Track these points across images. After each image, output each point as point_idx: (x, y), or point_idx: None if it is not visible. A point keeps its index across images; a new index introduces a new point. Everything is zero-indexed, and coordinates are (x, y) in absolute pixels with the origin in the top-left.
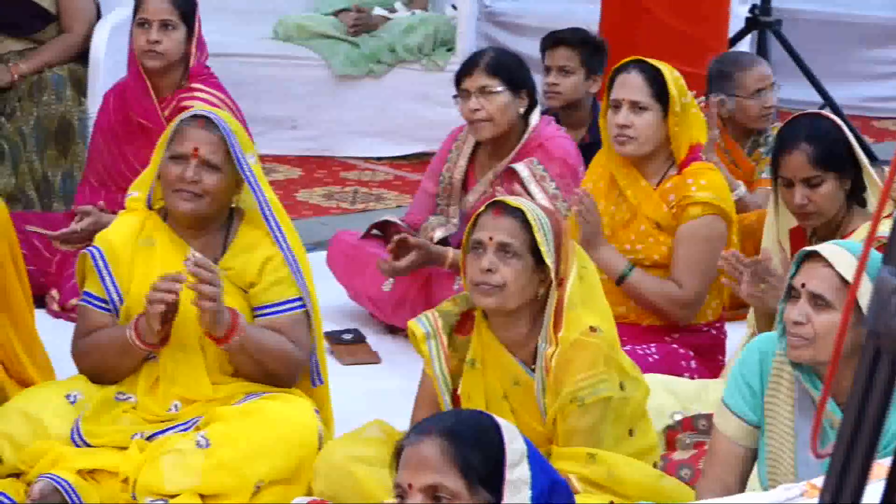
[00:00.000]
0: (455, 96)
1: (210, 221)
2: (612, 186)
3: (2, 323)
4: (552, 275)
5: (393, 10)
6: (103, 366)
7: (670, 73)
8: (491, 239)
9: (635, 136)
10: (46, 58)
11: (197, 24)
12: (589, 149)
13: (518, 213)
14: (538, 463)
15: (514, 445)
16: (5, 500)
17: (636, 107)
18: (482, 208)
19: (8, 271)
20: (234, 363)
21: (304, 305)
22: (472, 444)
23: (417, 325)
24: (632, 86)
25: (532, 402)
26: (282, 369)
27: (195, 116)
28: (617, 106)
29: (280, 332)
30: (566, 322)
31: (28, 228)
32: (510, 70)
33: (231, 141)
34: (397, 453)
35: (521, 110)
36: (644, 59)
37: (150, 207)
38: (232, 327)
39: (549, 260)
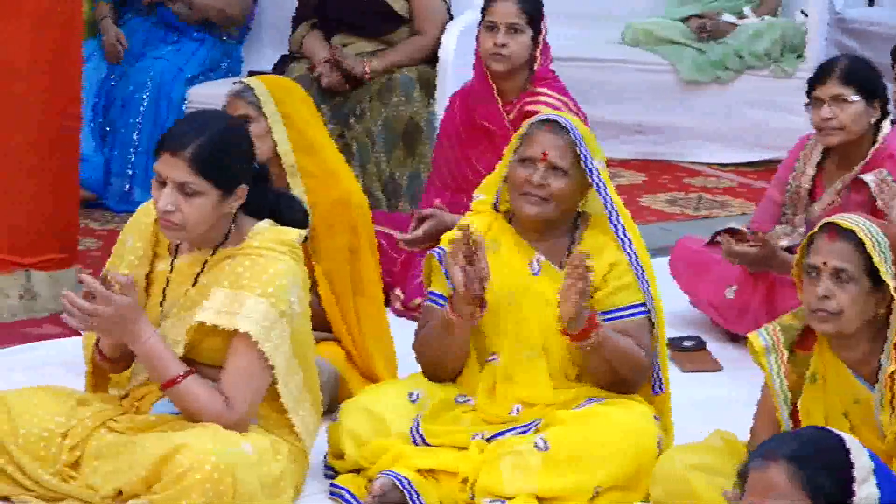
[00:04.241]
0: (806, 104)
1: (555, 225)
2: None
3: (356, 308)
4: (893, 293)
5: (742, 16)
6: (433, 354)
7: None
8: (826, 264)
9: None
10: (397, 58)
11: (543, 28)
12: None
13: (852, 236)
14: (885, 477)
15: (861, 462)
16: (346, 495)
17: None
18: (815, 230)
19: (366, 261)
20: (588, 365)
21: (647, 311)
22: (820, 466)
23: (758, 339)
24: None
25: (872, 419)
26: (632, 374)
27: (545, 121)
28: None
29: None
30: None
31: (375, 228)
32: (865, 79)
33: (580, 146)
34: (742, 476)
35: (873, 120)
36: None
37: (496, 210)
38: (590, 325)
39: (889, 279)
